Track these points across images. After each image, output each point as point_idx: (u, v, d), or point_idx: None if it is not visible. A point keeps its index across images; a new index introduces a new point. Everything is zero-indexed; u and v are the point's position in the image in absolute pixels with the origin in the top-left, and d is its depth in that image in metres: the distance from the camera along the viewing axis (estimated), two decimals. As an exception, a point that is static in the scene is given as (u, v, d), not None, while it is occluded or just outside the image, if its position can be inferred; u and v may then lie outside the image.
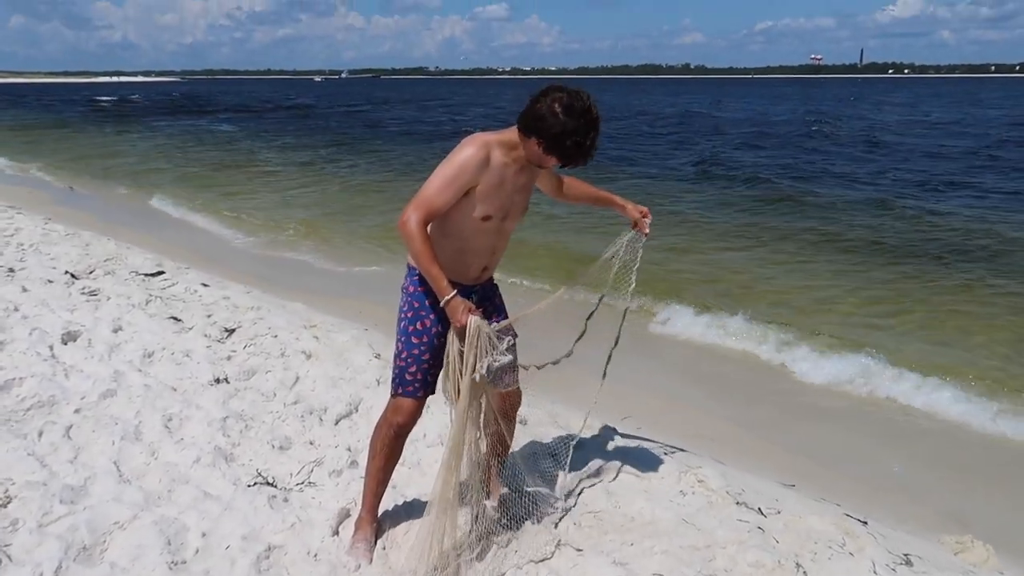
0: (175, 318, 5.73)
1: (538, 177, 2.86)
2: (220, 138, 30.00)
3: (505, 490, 3.31)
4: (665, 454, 3.89)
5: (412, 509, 3.20)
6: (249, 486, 3.36)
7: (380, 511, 3.07)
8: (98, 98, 73.69)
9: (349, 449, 3.74)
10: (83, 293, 6.24)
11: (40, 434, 3.70)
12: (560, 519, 3.21)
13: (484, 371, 2.56)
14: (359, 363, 4.99)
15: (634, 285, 3.12)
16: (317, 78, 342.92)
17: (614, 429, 4.15)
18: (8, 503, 3.09)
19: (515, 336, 2.86)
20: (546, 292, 3.10)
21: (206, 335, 5.36)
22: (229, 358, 4.97)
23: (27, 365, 4.48)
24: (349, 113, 49.68)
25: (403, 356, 2.78)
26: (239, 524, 3.06)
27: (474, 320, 2.51)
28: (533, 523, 3.15)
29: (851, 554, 3.07)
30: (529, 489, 3.22)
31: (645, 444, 3.97)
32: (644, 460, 3.75)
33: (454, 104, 62.95)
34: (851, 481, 4.40)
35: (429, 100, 73.61)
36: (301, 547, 2.96)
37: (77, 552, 2.82)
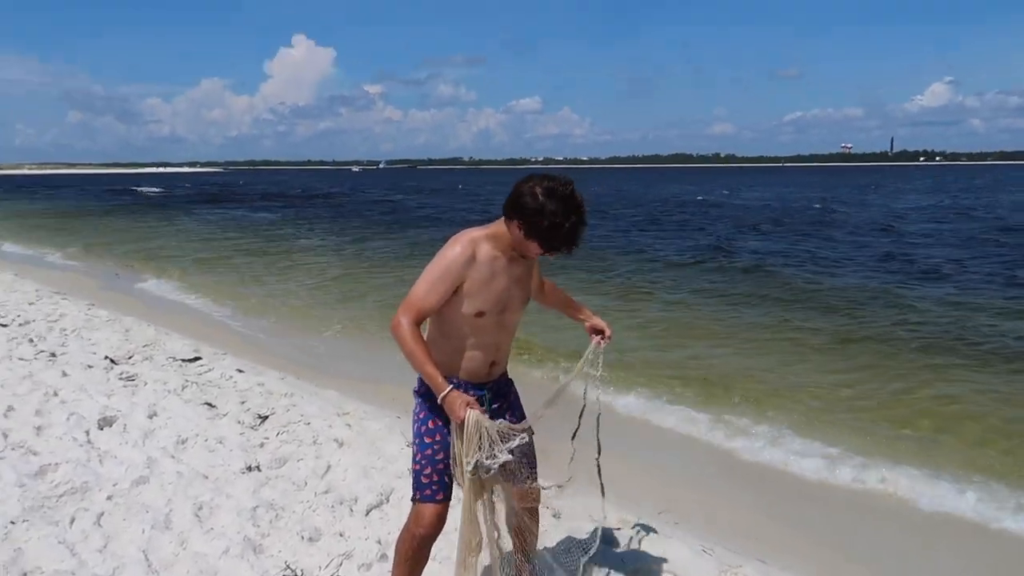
0: (209, 404, 5.77)
1: (532, 268, 2.82)
2: (255, 223, 30.96)
3: None
4: (704, 551, 3.74)
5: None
6: (277, 579, 3.29)
7: None
8: (142, 188, 76.65)
9: (379, 542, 3.66)
10: (121, 378, 6.33)
11: (72, 521, 3.69)
12: None
13: (471, 468, 2.48)
14: (391, 452, 4.94)
15: (592, 390, 3.05)
16: (355, 168, 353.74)
17: (650, 525, 4.02)
18: (36, 593, 3.06)
19: (532, 433, 2.79)
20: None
21: (239, 422, 5.38)
22: (262, 445, 4.97)
23: (63, 450, 4.52)
24: (378, 201, 50.86)
25: (417, 459, 2.73)
26: (266, 620, 2.98)
27: (472, 414, 2.46)
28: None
29: (907, 665, 2.89)
30: None
31: (683, 540, 3.83)
32: (682, 558, 3.62)
33: (482, 193, 63.87)
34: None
35: (459, 188, 75.11)
36: (328, 646, 2.87)
37: (102, 647, 2.76)
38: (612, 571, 3.45)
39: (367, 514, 4.02)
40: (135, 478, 4.23)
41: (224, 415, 5.53)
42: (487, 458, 2.47)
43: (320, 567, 3.45)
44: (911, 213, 35.58)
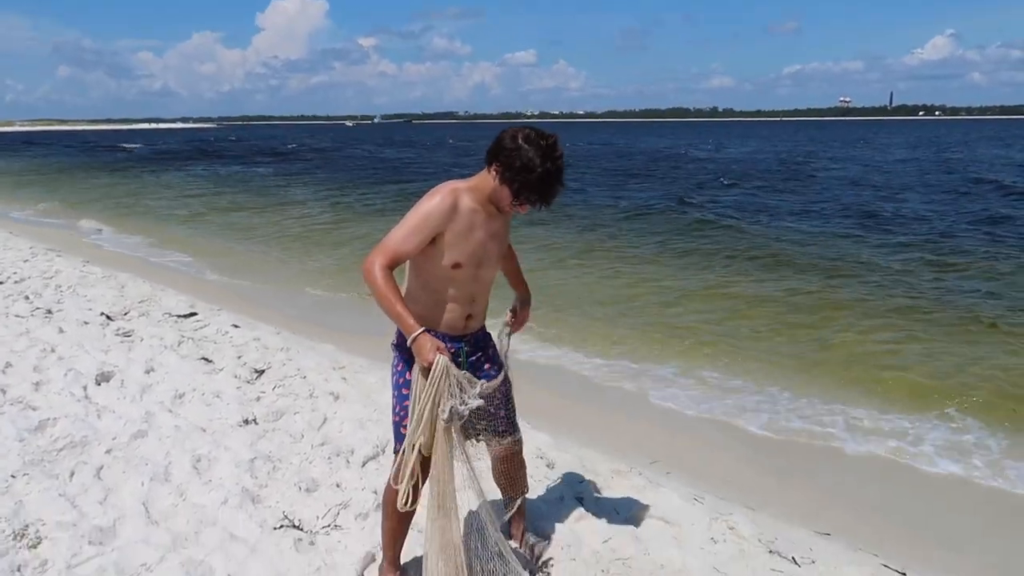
0: (206, 359, 5.80)
1: (508, 226, 2.80)
2: (246, 179, 30.82)
3: (531, 536, 3.27)
4: (695, 499, 3.82)
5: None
6: (275, 528, 3.35)
7: (405, 559, 3.03)
8: (126, 145, 75.76)
9: (375, 492, 3.72)
10: (117, 334, 6.36)
11: (71, 475, 3.74)
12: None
13: (446, 415, 2.46)
14: (387, 404, 4.96)
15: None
16: (348, 123, 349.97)
17: (642, 473, 4.09)
18: (39, 544, 3.11)
19: (509, 383, 2.89)
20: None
21: (236, 376, 5.42)
22: (258, 399, 5.01)
23: (61, 406, 4.56)
24: (367, 157, 50.46)
25: (396, 411, 2.75)
26: (265, 567, 3.05)
27: (441, 359, 2.43)
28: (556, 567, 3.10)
29: (890, 607, 2.98)
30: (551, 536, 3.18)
31: (675, 489, 3.90)
32: (674, 506, 3.69)
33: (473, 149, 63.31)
34: (889, 531, 4.27)
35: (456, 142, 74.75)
36: (326, 592, 2.93)
37: (104, 594, 2.82)
38: (605, 519, 3.51)
39: (363, 465, 4.08)
40: (133, 432, 4.27)
41: (220, 370, 5.56)
42: (460, 404, 2.45)
43: (317, 517, 3.51)
44: (889, 167, 35.73)
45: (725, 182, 27.77)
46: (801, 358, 7.31)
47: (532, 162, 2.46)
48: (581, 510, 3.59)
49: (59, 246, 12.32)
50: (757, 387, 6.49)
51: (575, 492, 3.79)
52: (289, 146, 63.62)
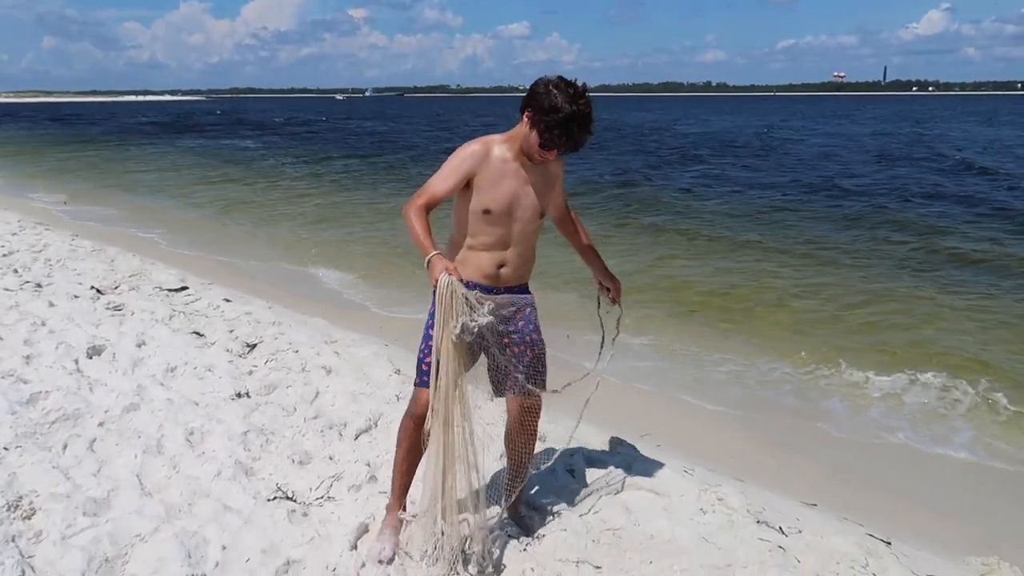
0: (198, 333, 5.80)
1: (551, 183, 2.90)
2: (238, 153, 30.65)
3: (523, 508, 3.31)
4: (685, 472, 3.86)
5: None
6: (269, 500, 3.38)
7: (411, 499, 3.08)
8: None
9: (368, 464, 3.75)
10: (108, 308, 6.33)
11: (64, 447, 3.74)
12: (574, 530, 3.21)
13: (459, 330, 2.50)
14: (379, 378, 5.01)
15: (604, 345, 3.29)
16: (339, 96, 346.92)
17: (633, 446, 4.13)
18: (32, 515, 3.13)
19: (537, 349, 2.95)
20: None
21: (228, 350, 5.42)
22: (251, 373, 5.02)
23: (52, 379, 4.55)
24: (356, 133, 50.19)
25: (422, 347, 2.87)
26: (258, 538, 3.07)
27: (446, 277, 2.49)
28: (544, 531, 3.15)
29: (874, 574, 3.03)
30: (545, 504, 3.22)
31: (665, 462, 3.94)
32: (664, 478, 3.73)
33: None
34: (874, 501, 4.34)
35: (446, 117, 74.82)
36: (320, 562, 2.97)
37: (99, 564, 2.84)
38: (596, 491, 3.56)
39: (356, 438, 4.11)
40: (126, 405, 4.28)
41: (212, 344, 5.56)
42: (470, 320, 2.51)
43: (311, 488, 3.53)
44: (861, 140, 36.57)
45: (694, 155, 28.72)
46: (778, 331, 7.43)
47: (559, 103, 2.60)
48: (572, 482, 3.63)
49: (47, 220, 12.24)
50: (745, 360, 6.55)
51: (566, 465, 3.82)
52: (276, 119, 63.34)
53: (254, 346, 5.57)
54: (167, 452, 3.79)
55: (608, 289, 3.19)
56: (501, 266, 2.84)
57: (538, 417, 3.13)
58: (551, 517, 3.30)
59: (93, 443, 3.82)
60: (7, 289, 6.77)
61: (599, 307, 3.27)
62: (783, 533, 3.31)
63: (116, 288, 7.19)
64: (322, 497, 3.47)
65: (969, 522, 4.18)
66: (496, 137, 2.81)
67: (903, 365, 6.32)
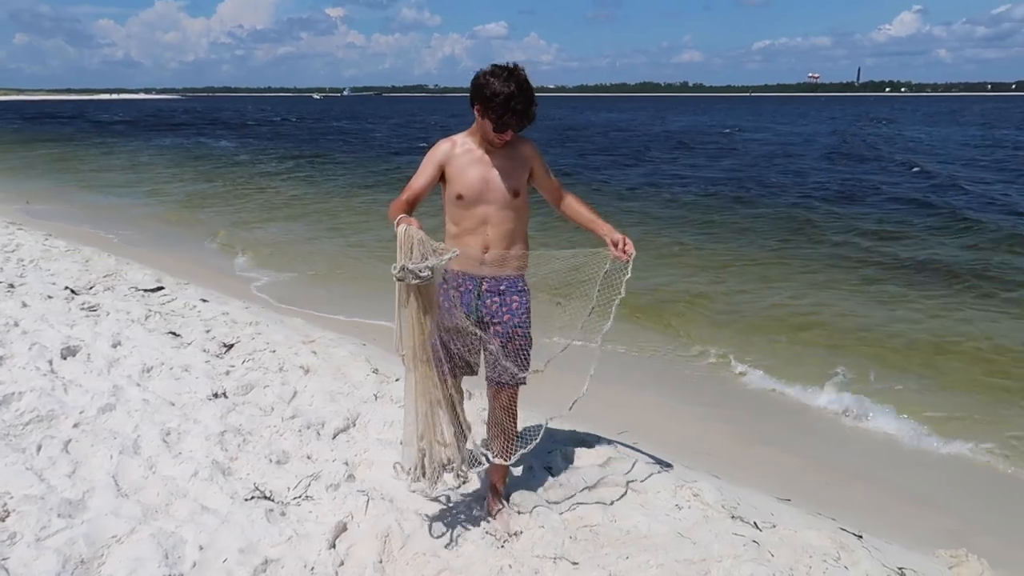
0: (174, 333, 5.76)
1: (520, 165, 3.09)
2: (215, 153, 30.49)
3: (501, 504, 3.34)
4: (661, 468, 3.90)
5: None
6: (246, 500, 3.37)
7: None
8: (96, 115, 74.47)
9: (347, 463, 3.75)
10: (83, 308, 6.27)
11: (39, 448, 3.71)
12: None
13: (396, 270, 2.71)
14: (357, 378, 5.01)
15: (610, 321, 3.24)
16: (316, 96, 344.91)
17: (610, 443, 4.17)
18: (6, 517, 3.10)
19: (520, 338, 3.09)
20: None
21: (205, 350, 5.39)
22: (227, 373, 4.99)
23: (26, 380, 4.50)
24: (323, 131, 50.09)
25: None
26: (236, 537, 3.07)
27: (403, 226, 2.71)
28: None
29: (846, 568, 3.09)
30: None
31: (641, 458, 3.98)
32: (640, 474, 3.77)
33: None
34: (845, 496, 4.41)
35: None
36: (298, 561, 2.97)
37: (75, 566, 2.83)
38: (573, 488, 3.59)
39: (334, 437, 4.11)
40: (101, 406, 4.24)
41: (189, 344, 5.53)
42: (414, 265, 2.69)
43: (289, 488, 3.53)
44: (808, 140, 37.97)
45: (645, 155, 29.92)
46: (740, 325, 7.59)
47: (497, 88, 2.85)
48: (550, 479, 3.66)
49: (19, 220, 12.07)
50: (717, 357, 6.63)
51: (544, 462, 3.85)
52: (248, 122, 63.03)
53: (231, 346, 5.54)
54: (143, 453, 3.77)
55: (617, 246, 3.17)
56: (486, 248, 3.06)
57: (512, 404, 3.20)
58: (529, 514, 3.33)
59: (68, 444, 3.78)
60: (-22, 289, 6.68)
61: (603, 271, 3.24)
62: (757, 528, 3.36)
63: (91, 288, 7.12)
64: (300, 496, 3.47)
65: (940, 515, 4.27)
66: (461, 133, 3.11)
67: (875, 361, 6.43)
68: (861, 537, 3.45)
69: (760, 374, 6.22)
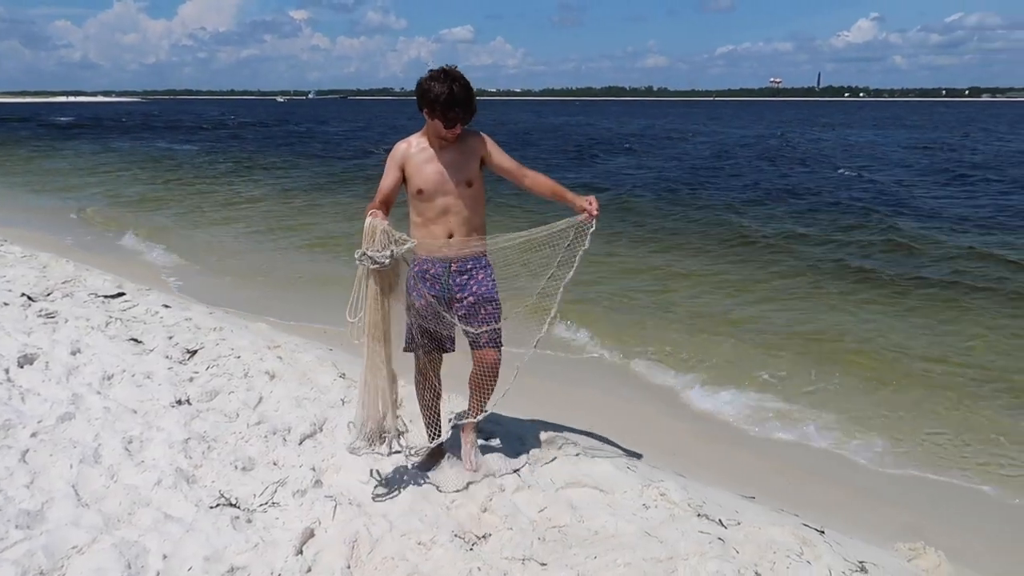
0: (135, 340, 5.66)
1: (470, 156, 3.44)
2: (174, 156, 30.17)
3: (475, 453, 3.72)
4: (628, 468, 3.94)
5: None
6: (211, 507, 3.33)
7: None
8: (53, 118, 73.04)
9: (314, 469, 3.72)
10: (40, 315, 6.13)
11: (-5, 459, 3.63)
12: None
13: (358, 256, 3.08)
14: (324, 383, 4.98)
15: (573, 271, 3.53)
16: (280, 99, 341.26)
17: (577, 444, 4.19)
18: (-38, 529, 3.03)
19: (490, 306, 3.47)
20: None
21: (167, 356, 5.31)
22: (191, 379, 4.93)
23: (-19, 389, 4.40)
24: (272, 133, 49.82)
25: (407, 321, 3.48)
26: (201, 546, 3.03)
27: (369, 218, 3.11)
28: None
29: (809, 562, 3.14)
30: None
31: (608, 458, 4.02)
32: (607, 474, 3.80)
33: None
34: (809, 492, 4.50)
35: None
36: (264, 568, 2.94)
37: (34, 577, 2.77)
38: (541, 489, 3.60)
39: (301, 443, 4.07)
40: (60, 415, 4.16)
41: (151, 350, 5.44)
42: (375, 253, 3.06)
43: (255, 495, 3.49)
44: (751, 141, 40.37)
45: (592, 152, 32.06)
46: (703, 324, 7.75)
47: (439, 91, 3.22)
48: (518, 481, 3.67)
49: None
50: (682, 359, 6.71)
51: (512, 465, 3.85)
52: (204, 127, 62.41)
53: (195, 352, 5.47)
54: (104, 461, 3.70)
55: (585, 210, 3.45)
56: (450, 234, 3.42)
57: (495, 366, 3.57)
58: (498, 516, 3.34)
59: (25, 454, 3.71)
60: (-70, 297, 6.51)
61: (585, 234, 3.47)
62: (722, 525, 3.40)
63: (49, 295, 6.97)
64: (266, 503, 3.43)
65: (899, 511, 4.37)
66: (415, 134, 3.47)
67: (817, 362, 6.56)
68: (823, 532, 3.52)
69: (702, 377, 6.28)
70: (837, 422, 5.48)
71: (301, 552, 3.05)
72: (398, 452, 3.59)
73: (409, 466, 3.72)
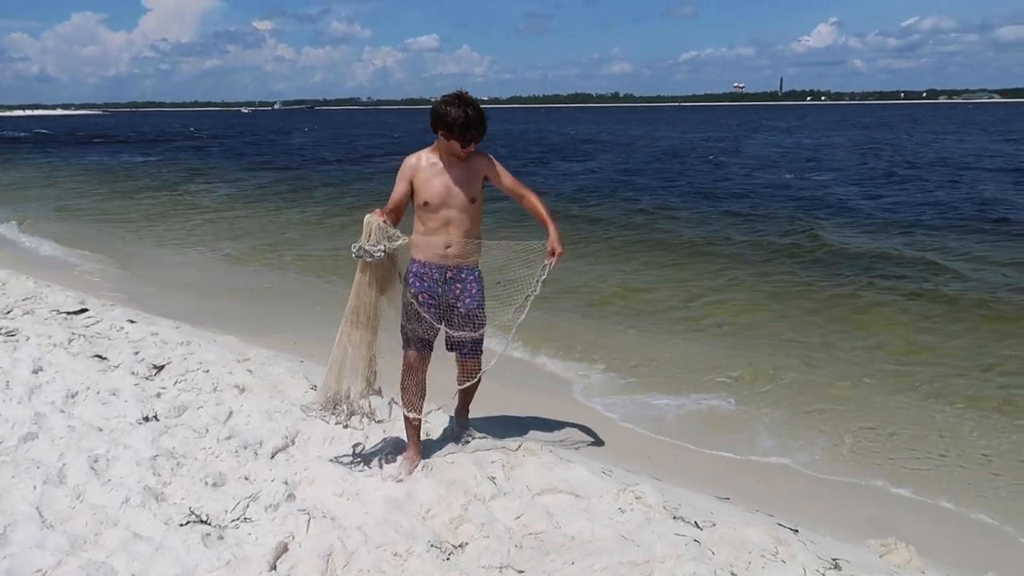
0: (100, 356, 5.55)
1: (476, 175, 3.74)
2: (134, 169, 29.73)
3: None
4: (603, 473, 3.94)
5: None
6: (182, 525, 3.27)
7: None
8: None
9: (286, 482, 3.68)
10: (0, 334, 5.98)
11: (-45, 482, 3.53)
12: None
13: (355, 249, 3.42)
14: (295, 395, 4.91)
15: (528, 306, 3.88)
16: (244, 110, 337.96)
17: (552, 451, 4.19)
18: (-79, 555, 2.93)
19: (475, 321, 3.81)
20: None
21: (133, 373, 5.21)
22: (159, 395, 4.84)
23: (-60, 410, 4.28)
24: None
25: (401, 320, 3.80)
26: (172, 564, 2.97)
27: (368, 215, 3.47)
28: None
29: (783, 562, 3.17)
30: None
31: (584, 465, 4.01)
32: (583, 480, 3.80)
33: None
34: (783, 491, 4.53)
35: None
36: (237, 584, 2.89)
37: (-3, 603, 2.70)
38: (517, 496, 3.59)
39: (272, 457, 4.02)
40: (22, 435, 4.06)
41: (116, 367, 5.33)
42: (370, 247, 3.41)
43: (226, 511, 3.44)
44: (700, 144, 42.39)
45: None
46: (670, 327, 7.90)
47: (455, 115, 3.54)
48: (494, 488, 3.66)
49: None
50: (661, 362, 6.75)
51: (488, 472, 3.84)
52: (163, 139, 61.76)
53: (162, 367, 5.37)
54: (70, 481, 3.62)
55: (554, 253, 3.79)
56: (448, 246, 3.72)
57: (476, 369, 3.99)
58: (474, 525, 3.32)
59: (-13, 476, 3.60)
60: None
61: (541, 272, 3.83)
62: (698, 527, 3.42)
63: (8, 313, 6.81)
64: (238, 519, 3.38)
65: (865, 507, 4.42)
66: (426, 149, 3.76)
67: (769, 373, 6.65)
68: (797, 531, 3.55)
69: (693, 383, 6.33)
70: (789, 421, 5.56)
71: (275, 568, 3.01)
72: (347, 426, 3.98)
73: (383, 475, 3.70)
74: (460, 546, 3.20)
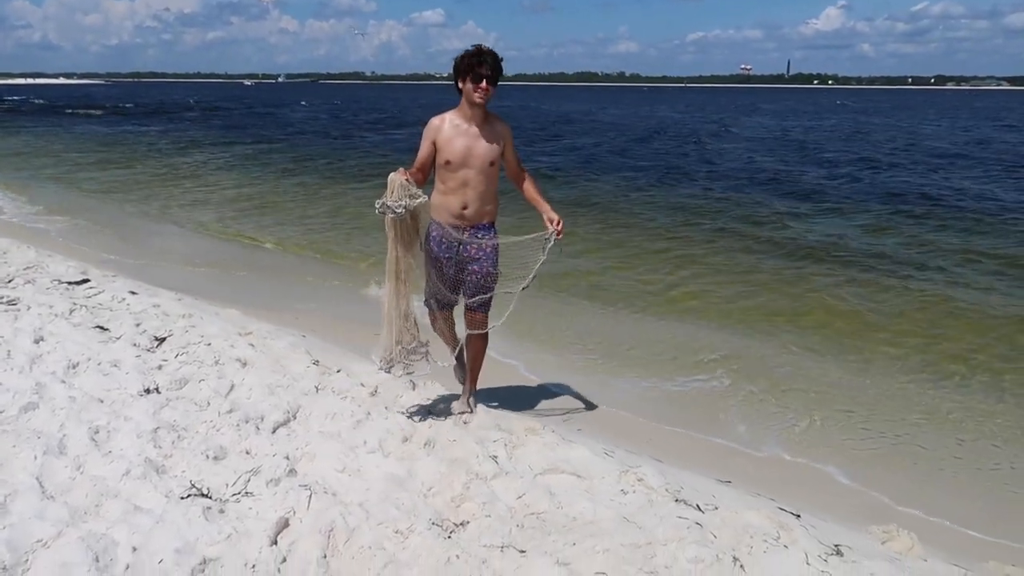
0: (101, 327, 5.53)
1: (498, 138, 3.93)
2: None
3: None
4: (606, 454, 3.93)
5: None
6: (182, 498, 3.25)
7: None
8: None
9: (287, 457, 3.66)
10: (1, 303, 5.96)
11: (-45, 450, 3.51)
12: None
13: (379, 205, 3.63)
14: (297, 370, 4.90)
15: (534, 274, 4.07)
16: (247, 82, 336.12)
17: (555, 431, 4.18)
18: (-79, 523, 2.92)
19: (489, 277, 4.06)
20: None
21: (135, 344, 5.19)
22: (160, 367, 4.82)
23: (-60, 378, 4.26)
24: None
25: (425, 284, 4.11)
26: (172, 537, 2.96)
27: (392, 174, 3.68)
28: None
29: (785, 546, 3.15)
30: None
31: (586, 445, 4.00)
32: (585, 460, 3.79)
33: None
34: (786, 476, 4.52)
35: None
36: (238, 559, 2.88)
37: (-3, 572, 2.69)
38: (519, 476, 3.58)
39: (274, 431, 4.00)
40: (23, 404, 4.04)
41: (118, 338, 5.31)
42: (392, 203, 3.62)
43: (227, 484, 3.42)
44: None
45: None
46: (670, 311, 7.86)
47: (468, 56, 3.79)
48: (496, 467, 3.64)
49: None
50: (656, 345, 6.72)
51: (489, 451, 3.83)
52: (166, 111, 61.40)
53: (163, 339, 5.35)
54: (70, 452, 3.60)
55: (553, 223, 3.97)
56: (465, 206, 3.93)
57: (483, 328, 4.20)
58: (476, 504, 3.31)
59: (-13, 445, 3.59)
60: None
61: (544, 247, 3.99)
62: (700, 510, 3.41)
63: (9, 282, 6.78)
64: (239, 493, 3.37)
65: (861, 495, 4.41)
66: (450, 111, 3.94)
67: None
68: (799, 516, 3.54)
69: (695, 365, 6.31)
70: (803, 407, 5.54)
71: (276, 543, 3.00)
72: (411, 373, 4.23)
73: (384, 455, 3.68)
74: (461, 524, 3.19)
